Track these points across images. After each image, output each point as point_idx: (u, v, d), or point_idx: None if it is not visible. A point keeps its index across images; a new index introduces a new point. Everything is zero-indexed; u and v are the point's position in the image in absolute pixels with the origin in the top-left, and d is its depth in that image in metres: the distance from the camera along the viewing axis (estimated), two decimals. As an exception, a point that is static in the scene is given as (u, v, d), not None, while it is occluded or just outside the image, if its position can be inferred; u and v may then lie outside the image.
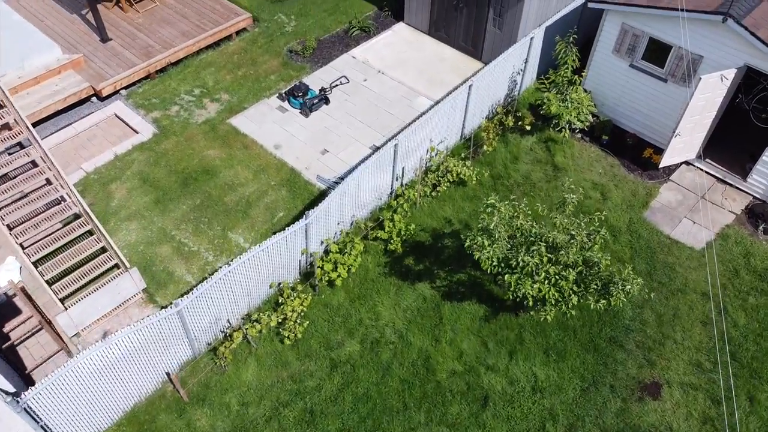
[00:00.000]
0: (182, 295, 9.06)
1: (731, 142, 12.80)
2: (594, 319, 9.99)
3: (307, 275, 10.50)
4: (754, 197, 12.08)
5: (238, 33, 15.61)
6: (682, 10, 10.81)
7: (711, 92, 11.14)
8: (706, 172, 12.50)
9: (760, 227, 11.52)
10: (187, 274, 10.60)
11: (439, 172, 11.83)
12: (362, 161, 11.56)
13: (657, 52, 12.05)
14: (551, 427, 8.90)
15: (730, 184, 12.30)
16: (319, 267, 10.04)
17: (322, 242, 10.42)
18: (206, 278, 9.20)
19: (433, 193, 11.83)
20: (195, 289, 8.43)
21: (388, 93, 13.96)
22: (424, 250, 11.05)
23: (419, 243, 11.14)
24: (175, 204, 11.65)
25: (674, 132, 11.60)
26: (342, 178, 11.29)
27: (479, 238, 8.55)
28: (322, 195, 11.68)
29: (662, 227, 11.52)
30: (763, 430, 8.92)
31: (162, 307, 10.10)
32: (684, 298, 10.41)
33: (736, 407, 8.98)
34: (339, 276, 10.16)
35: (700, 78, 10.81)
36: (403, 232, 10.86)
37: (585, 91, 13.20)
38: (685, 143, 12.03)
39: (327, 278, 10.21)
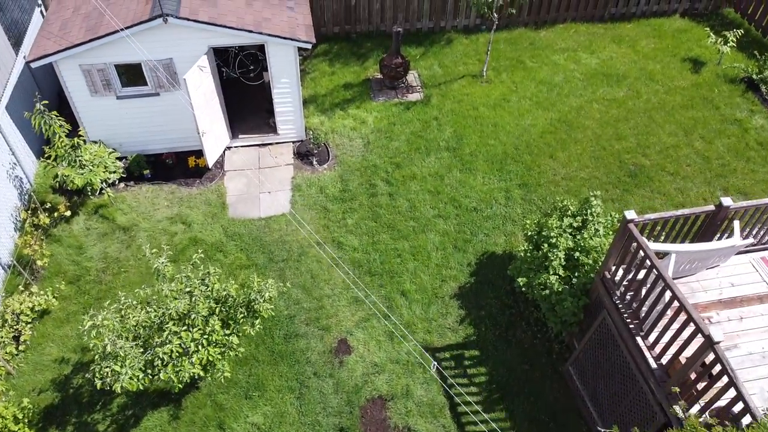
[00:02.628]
0: None
1: (249, 110, 13.60)
2: (261, 335, 9.88)
3: None
4: (293, 142, 13.23)
5: None
6: (121, 30, 10.48)
7: (200, 84, 11.38)
8: (248, 146, 13.09)
9: (313, 161, 12.76)
10: None
11: (7, 326, 9.66)
12: None
13: (132, 73, 11.65)
14: (301, 453, 8.75)
15: (271, 143, 13.18)
16: None
17: None
18: None
19: (22, 347, 9.70)
20: None
21: None
22: (60, 409, 9.14)
23: (48, 408, 9.14)
24: None
25: (199, 133, 11.65)
26: None
27: (106, 369, 7.32)
28: None
29: (250, 215, 11.80)
30: (419, 310, 10.38)
31: None
32: (307, 257, 11.04)
33: (394, 305, 10.20)
34: None
35: (184, 79, 10.88)
36: (20, 415, 8.68)
37: (96, 143, 12.18)
38: (214, 136, 12.25)
39: None
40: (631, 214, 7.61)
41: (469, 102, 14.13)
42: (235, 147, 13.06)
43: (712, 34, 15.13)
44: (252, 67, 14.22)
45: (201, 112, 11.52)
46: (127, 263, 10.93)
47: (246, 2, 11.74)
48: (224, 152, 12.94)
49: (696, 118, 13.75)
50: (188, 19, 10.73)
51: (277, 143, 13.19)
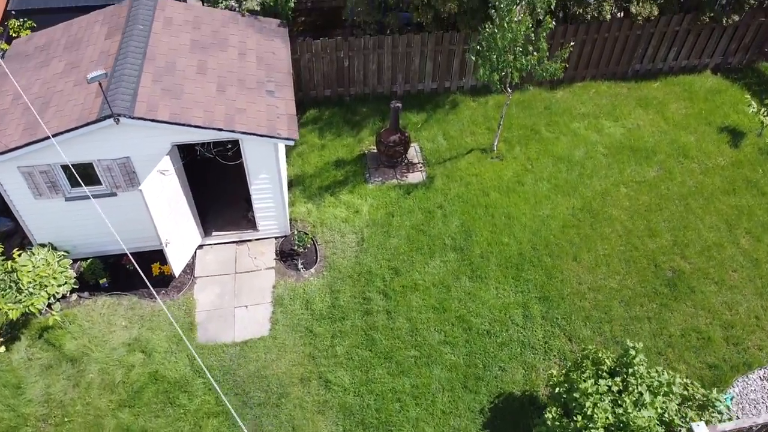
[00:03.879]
0: None
1: (225, 198, 11.80)
2: None
3: None
4: (276, 238, 11.44)
5: None
6: (52, 136, 8.71)
7: (162, 191, 9.59)
8: (223, 243, 11.30)
9: (299, 264, 10.96)
10: None
11: None
12: None
13: (83, 173, 9.85)
14: None
15: (250, 240, 11.38)
16: None
17: None
18: None
19: None
20: None
21: None
22: None
23: None
24: None
25: (162, 243, 9.84)
26: None
27: None
28: None
29: (223, 338, 10.01)
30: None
31: None
32: (288, 400, 9.26)
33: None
34: None
35: (140, 190, 9.06)
36: None
37: (44, 246, 10.41)
38: (181, 241, 10.45)
39: None
40: (701, 430, 5.82)
41: (479, 185, 12.34)
42: (209, 245, 11.26)
43: (753, 102, 13.31)
44: (230, 146, 12.39)
45: (163, 221, 9.72)
46: (72, 408, 9.15)
47: (217, 88, 9.94)
48: (196, 252, 11.14)
49: (740, 207, 11.97)
50: (144, 119, 8.93)
51: (257, 239, 11.40)
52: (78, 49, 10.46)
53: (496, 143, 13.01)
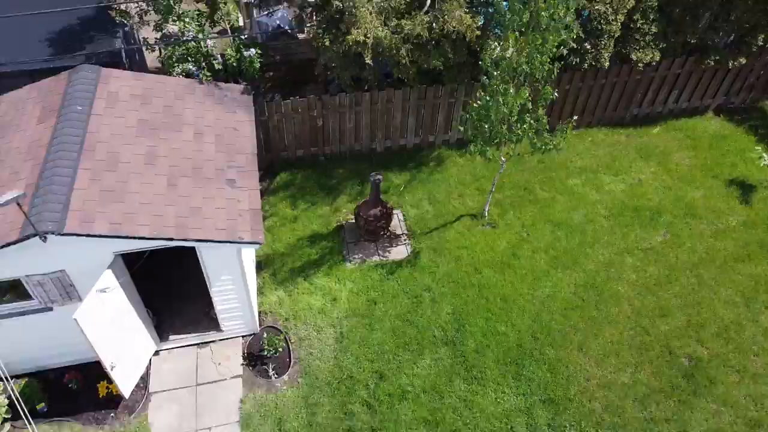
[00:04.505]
0: None
1: (184, 293, 10.38)
2: None
3: None
4: (243, 337, 10.07)
5: None
6: None
7: (104, 308, 8.18)
8: (182, 347, 9.91)
9: (270, 370, 9.61)
10: None
11: None
12: None
13: (12, 288, 8.43)
14: None
15: (213, 341, 10.01)
16: None
17: None
18: None
19: None
20: None
21: None
22: None
23: None
24: None
25: (107, 367, 8.42)
26: None
27: None
28: None
29: (184, 471, 8.64)
30: None
31: None
32: None
33: None
34: None
35: (75, 319, 7.65)
36: None
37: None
38: (130, 357, 9.03)
39: None
40: None
41: (469, 260, 11.09)
42: (167, 349, 9.86)
43: (765, 155, 12.19)
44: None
45: (106, 345, 8.31)
46: None
47: (168, 182, 8.55)
48: (151, 359, 9.73)
49: (756, 276, 10.88)
50: (78, 235, 7.52)
51: (221, 339, 10.03)
52: (5, 136, 8.98)
53: (487, 208, 11.77)
